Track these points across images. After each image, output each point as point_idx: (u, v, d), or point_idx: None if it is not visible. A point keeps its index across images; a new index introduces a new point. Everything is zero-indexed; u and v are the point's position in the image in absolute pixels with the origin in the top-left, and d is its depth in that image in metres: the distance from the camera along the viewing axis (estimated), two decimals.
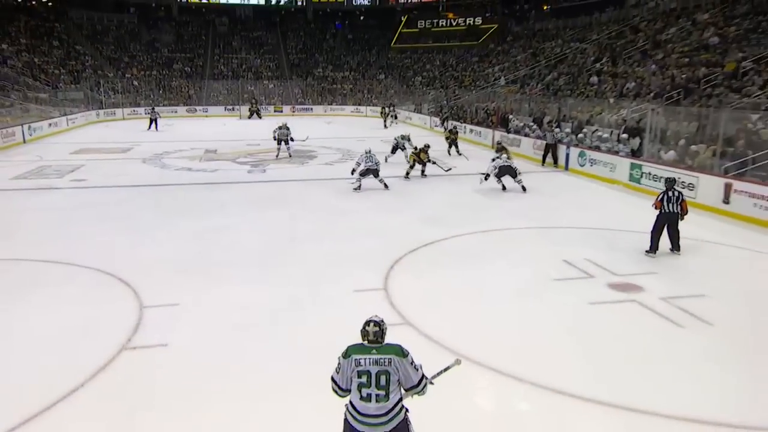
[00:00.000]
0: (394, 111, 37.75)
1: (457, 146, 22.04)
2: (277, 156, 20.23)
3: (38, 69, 41.14)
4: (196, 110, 43.30)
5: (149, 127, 31.32)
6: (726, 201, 12.12)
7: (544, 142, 19.42)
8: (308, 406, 4.42)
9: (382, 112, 37.27)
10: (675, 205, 8.91)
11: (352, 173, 14.71)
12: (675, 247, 9.31)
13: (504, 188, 14.50)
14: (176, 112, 41.94)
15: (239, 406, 5.24)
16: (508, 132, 23.40)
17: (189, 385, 5.60)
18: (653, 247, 9.20)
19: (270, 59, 52.87)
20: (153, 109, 33.64)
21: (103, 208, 13.16)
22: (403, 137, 19.55)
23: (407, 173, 16.57)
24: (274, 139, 20.40)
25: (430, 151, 16.81)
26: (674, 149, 15.29)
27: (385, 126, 35.16)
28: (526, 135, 21.94)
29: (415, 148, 17.25)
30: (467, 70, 44.52)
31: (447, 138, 22.75)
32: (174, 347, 6.39)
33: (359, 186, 14.46)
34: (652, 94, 21.09)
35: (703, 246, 10.18)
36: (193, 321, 7.08)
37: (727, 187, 12.15)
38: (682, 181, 13.32)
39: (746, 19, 23.98)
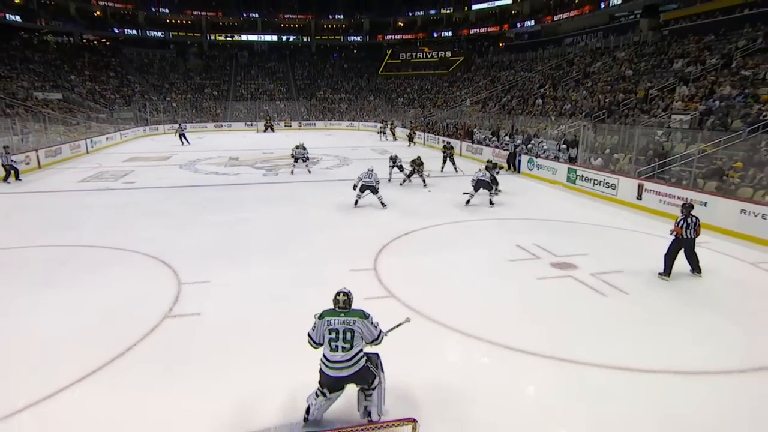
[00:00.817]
0: (385, 127, 33.82)
1: (453, 161, 18.36)
2: (292, 172, 18.15)
3: (98, 95, 40.67)
4: (222, 125, 42.81)
5: (182, 143, 29.27)
6: (639, 197, 12.29)
7: (507, 151, 19.14)
8: (313, 362, 4.47)
9: (391, 129, 33.26)
10: (692, 230, 7.44)
11: (354, 188, 12.52)
12: (696, 269, 7.75)
13: (467, 203, 12.62)
14: (206, 127, 41.53)
15: (257, 361, 5.29)
16: (473, 143, 23.41)
17: (217, 345, 5.65)
18: (667, 271, 7.63)
19: (281, 84, 52.42)
20: (179, 125, 31.57)
21: (149, 205, 13.07)
22: (391, 158, 16.48)
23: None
24: (292, 157, 18.63)
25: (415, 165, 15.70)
26: (601, 157, 15.49)
27: (395, 139, 32.10)
28: (487, 145, 21.99)
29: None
30: (440, 93, 44.45)
31: (443, 153, 18.80)
32: (206, 315, 6.42)
33: (356, 201, 12.46)
34: (583, 114, 21.27)
35: (621, 233, 10.34)
36: (220, 294, 7.09)
37: (640, 187, 12.33)
38: (606, 182, 13.53)
39: (652, 57, 24.33)
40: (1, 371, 5.20)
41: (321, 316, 4.12)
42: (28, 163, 18.82)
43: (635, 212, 12.11)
